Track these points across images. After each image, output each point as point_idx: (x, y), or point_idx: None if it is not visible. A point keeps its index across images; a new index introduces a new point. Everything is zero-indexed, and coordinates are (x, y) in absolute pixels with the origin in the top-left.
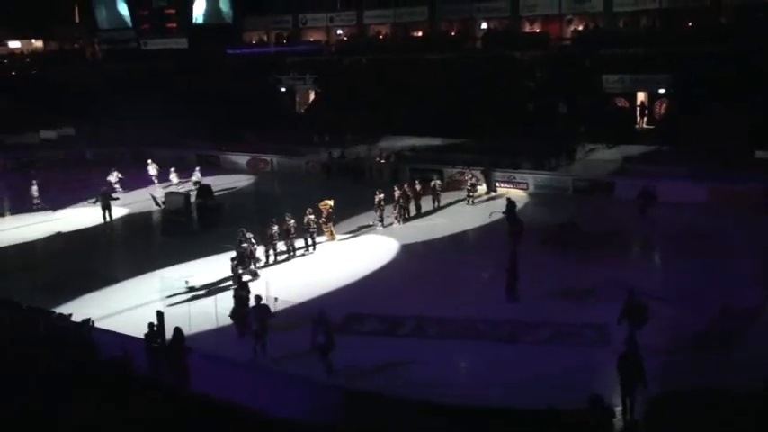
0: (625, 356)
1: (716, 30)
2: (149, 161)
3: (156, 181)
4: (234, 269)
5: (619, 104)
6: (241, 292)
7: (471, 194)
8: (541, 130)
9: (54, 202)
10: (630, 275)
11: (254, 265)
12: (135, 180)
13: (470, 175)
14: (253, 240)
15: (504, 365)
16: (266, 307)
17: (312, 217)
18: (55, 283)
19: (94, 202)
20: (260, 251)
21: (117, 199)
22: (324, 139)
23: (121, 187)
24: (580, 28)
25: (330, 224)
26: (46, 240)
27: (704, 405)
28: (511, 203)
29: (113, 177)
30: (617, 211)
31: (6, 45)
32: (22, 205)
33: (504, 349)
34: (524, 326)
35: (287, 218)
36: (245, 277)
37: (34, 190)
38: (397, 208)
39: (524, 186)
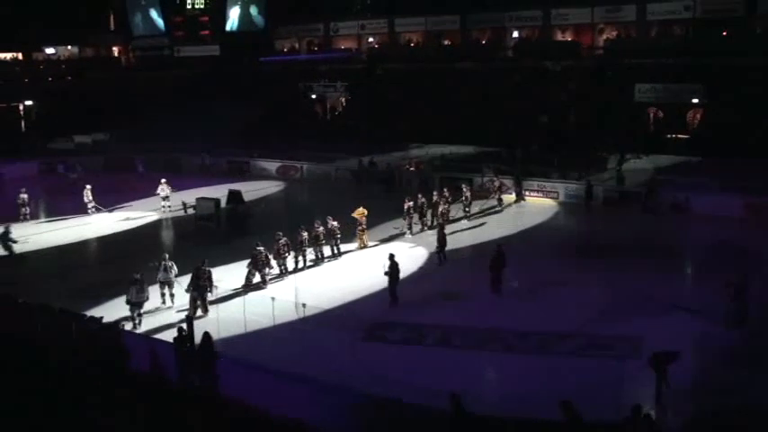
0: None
1: (750, 39)
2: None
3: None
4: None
5: (651, 114)
6: (199, 282)
7: (467, 209)
8: (571, 139)
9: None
10: (661, 287)
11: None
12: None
13: (467, 187)
14: (263, 250)
15: (533, 377)
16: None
17: (336, 224)
18: (88, 286)
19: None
20: (273, 261)
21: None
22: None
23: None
24: (613, 34)
25: (363, 231)
26: (82, 243)
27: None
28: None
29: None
30: (648, 223)
31: (43, 51)
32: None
33: (534, 360)
34: (554, 337)
35: (316, 224)
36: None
37: (87, 193)
38: (421, 216)
39: (554, 195)
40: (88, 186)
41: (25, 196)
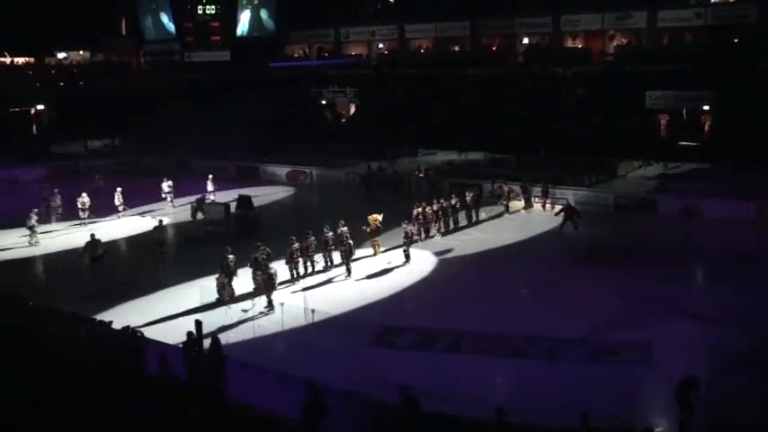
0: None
1: (761, 46)
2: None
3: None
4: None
5: (662, 121)
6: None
7: (473, 214)
8: (579, 145)
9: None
10: (672, 293)
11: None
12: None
13: (470, 192)
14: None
15: (541, 382)
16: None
17: (345, 229)
18: (98, 289)
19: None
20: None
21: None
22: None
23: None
24: (623, 40)
25: (377, 238)
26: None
27: None
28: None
29: (165, 186)
30: (660, 229)
31: (55, 56)
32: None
33: (543, 366)
34: (564, 343)
35: (325, 230)
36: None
37: (118, 196)
38: (425, 223)
39: (564, 202)
40: (119, 189)
41: (86, 200)
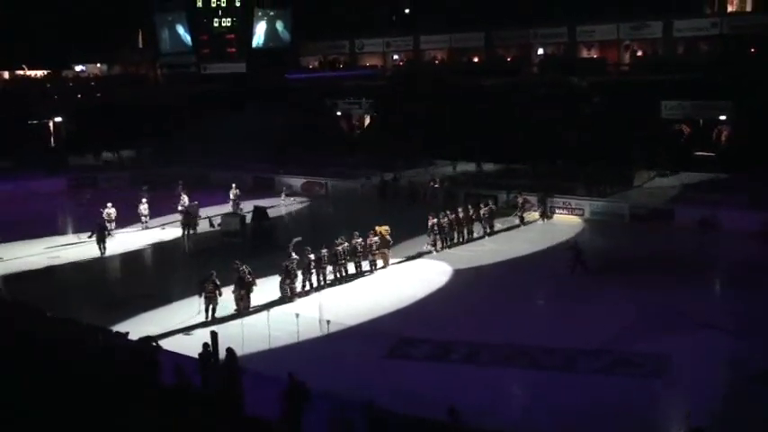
0: None
1: None
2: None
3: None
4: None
5: (678, 131)
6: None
7: (488, 225)
8: (594, 155)
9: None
10: (689, 304)
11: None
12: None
13: (486, 204)
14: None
15: (558, 393)
16: None
17: (360, 240)
18: (113, 301)
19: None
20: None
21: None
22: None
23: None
24: (639, 53)
25: (386, 249)
26: (109, 259)
27: None
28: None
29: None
30: (676, 240)
31: (72, 68)
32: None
33: (559, 377)
34: (580, 353)
35: (339, 241)
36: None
37: (143, 208)
38: (441, 234)
39: (580, 213)
40: (144, 199)
41: (113, 211)
